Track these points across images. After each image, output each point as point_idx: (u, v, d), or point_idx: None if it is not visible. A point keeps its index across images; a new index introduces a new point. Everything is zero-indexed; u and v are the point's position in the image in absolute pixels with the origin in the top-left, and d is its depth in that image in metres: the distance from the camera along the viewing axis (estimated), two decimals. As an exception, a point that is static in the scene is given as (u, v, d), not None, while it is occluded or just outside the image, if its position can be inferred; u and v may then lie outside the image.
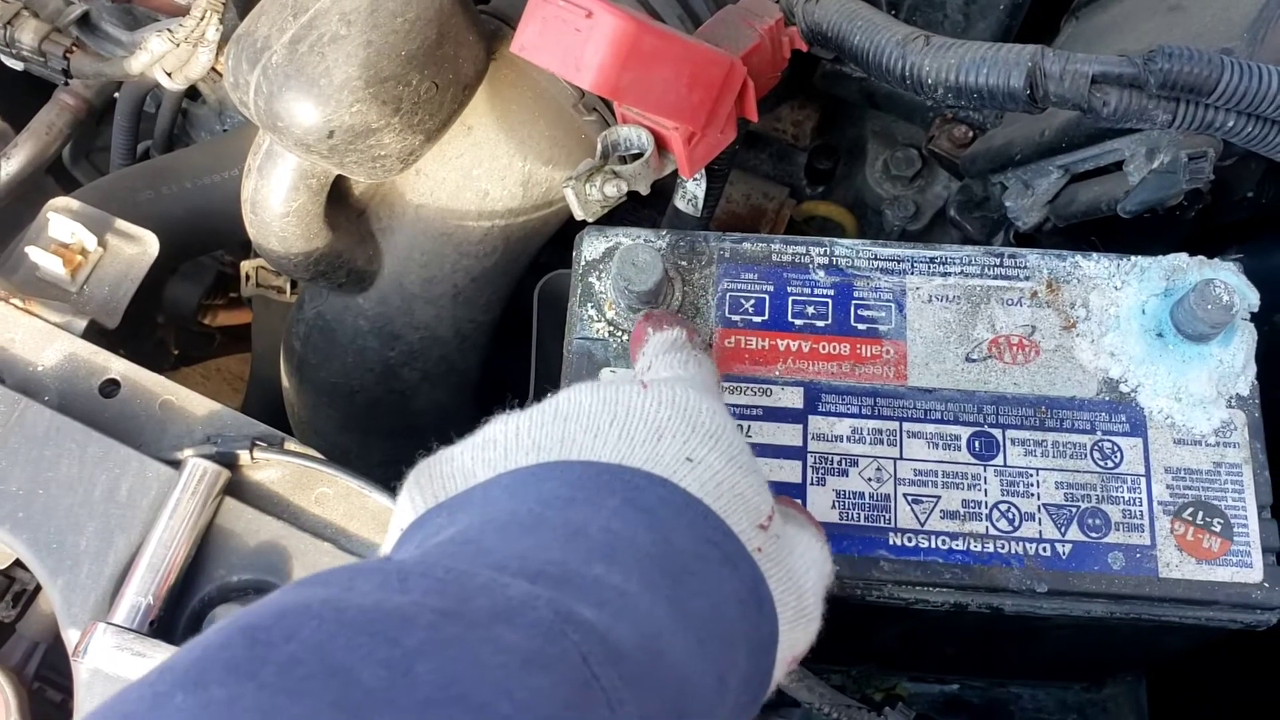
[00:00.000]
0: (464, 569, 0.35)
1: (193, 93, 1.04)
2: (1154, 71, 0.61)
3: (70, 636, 0.61)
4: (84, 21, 0.93)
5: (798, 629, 0.46)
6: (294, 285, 1.00)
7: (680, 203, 0.85)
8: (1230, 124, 0.63)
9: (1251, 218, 0.97)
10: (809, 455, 0.69)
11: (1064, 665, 0.90)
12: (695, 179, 0.83)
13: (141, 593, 0.60)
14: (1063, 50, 0.64)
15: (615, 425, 0.44)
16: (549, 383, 0.86)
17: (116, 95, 1.05)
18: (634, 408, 0.45)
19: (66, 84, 0.96)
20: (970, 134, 0.95)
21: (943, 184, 1.07)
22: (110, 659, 0.58)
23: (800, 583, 0.46)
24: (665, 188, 0.85)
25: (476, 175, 0.82)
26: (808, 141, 1.14)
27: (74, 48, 0.89)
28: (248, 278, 1.00)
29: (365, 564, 0.36)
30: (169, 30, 0.80)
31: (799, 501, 0.62)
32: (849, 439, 0.70)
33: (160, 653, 0.58)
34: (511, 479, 0.43)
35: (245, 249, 1.04)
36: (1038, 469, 0.69)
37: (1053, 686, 0.94)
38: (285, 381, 0.91)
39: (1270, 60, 0.65)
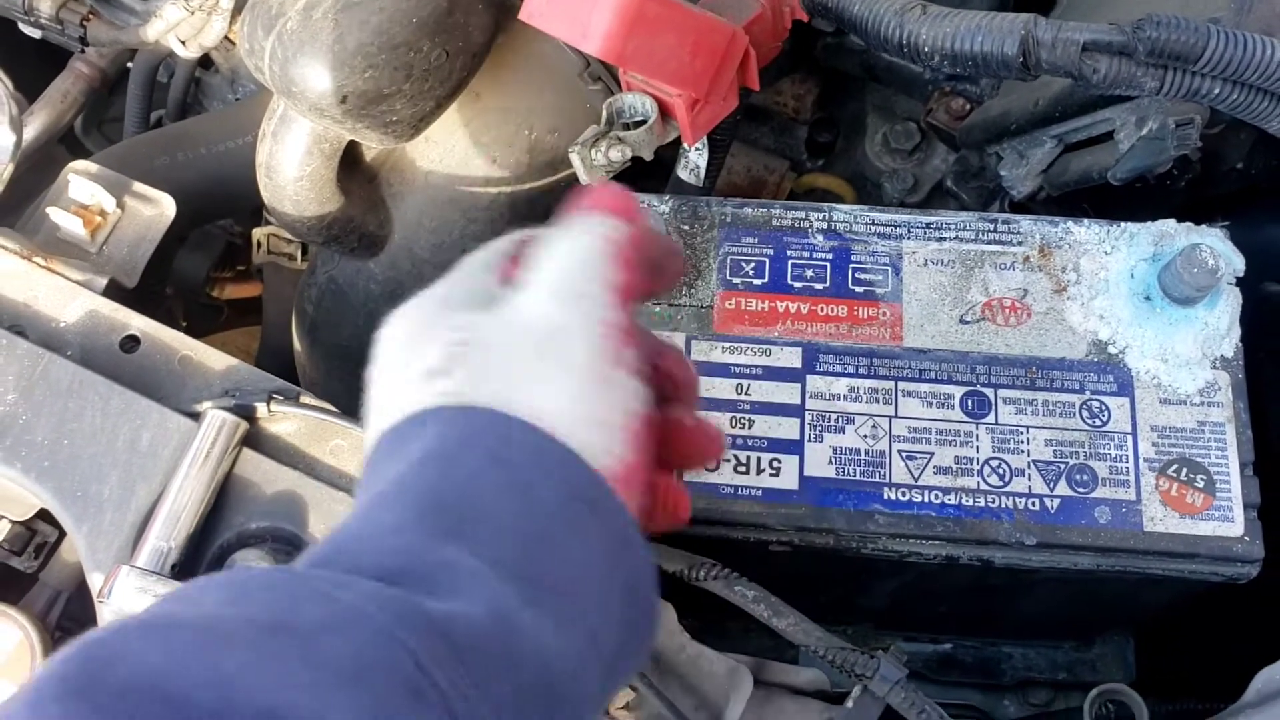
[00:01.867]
0: (306, 574, 0.35)
1: (205, 61, 1.06)
2: (1142, 39, 0.63)
3: (94, 581, 0.63)
4: (99, -10, 0.95)
5: (556, 354, 0.42)
6: (305, 252, 1.02)
7: (683, 172, 0.87)
8: (1216, 91, 0.65)
9: (1243, 188, 0.99)
10: (807, 413, 0.72)
11: (1054, 623, 0.92)
12: (698, 148, 0.85)
13: (163, 538, 0.62)
14: (1055, 19, 0.66)
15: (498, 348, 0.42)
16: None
17: (130, 65, 1.07)
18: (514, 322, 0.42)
19: (83, 51, 0.98)
20: (967, 106, 0.97)
21: (941, 157, 1.09)
22: (133, 600, 0.60)
23: (519, 330, 0.42)
24: (668, 158, 0.87)
25: (484, 142, 0.84)
26: (808, 115, 1.16)
27: (90, 16, 0.91)
28: (259, 245, 1.02)
29: (221, 576, 0.35)
30: (184, -1, 0.82)
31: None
32: (846, 397, 0.72)
33: (182, 595, 0.60)
34: (404, 427, 0.41)
35: (257, 216, 1.06)
36: (1028, 427, 0.71)
37: (1043, 645, 0.96)
38: (297, 345, 0.93)
39: (1256, 29, 0.67)
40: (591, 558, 0.39)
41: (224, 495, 0.65)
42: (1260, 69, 0.63)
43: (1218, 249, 0.72)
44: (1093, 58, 0.65)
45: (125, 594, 0.60)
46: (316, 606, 0.32)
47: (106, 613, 0.62)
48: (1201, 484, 0.70)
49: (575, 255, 0.44)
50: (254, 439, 0.67)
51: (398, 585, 0.35)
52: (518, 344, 0.41)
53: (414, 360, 0.42)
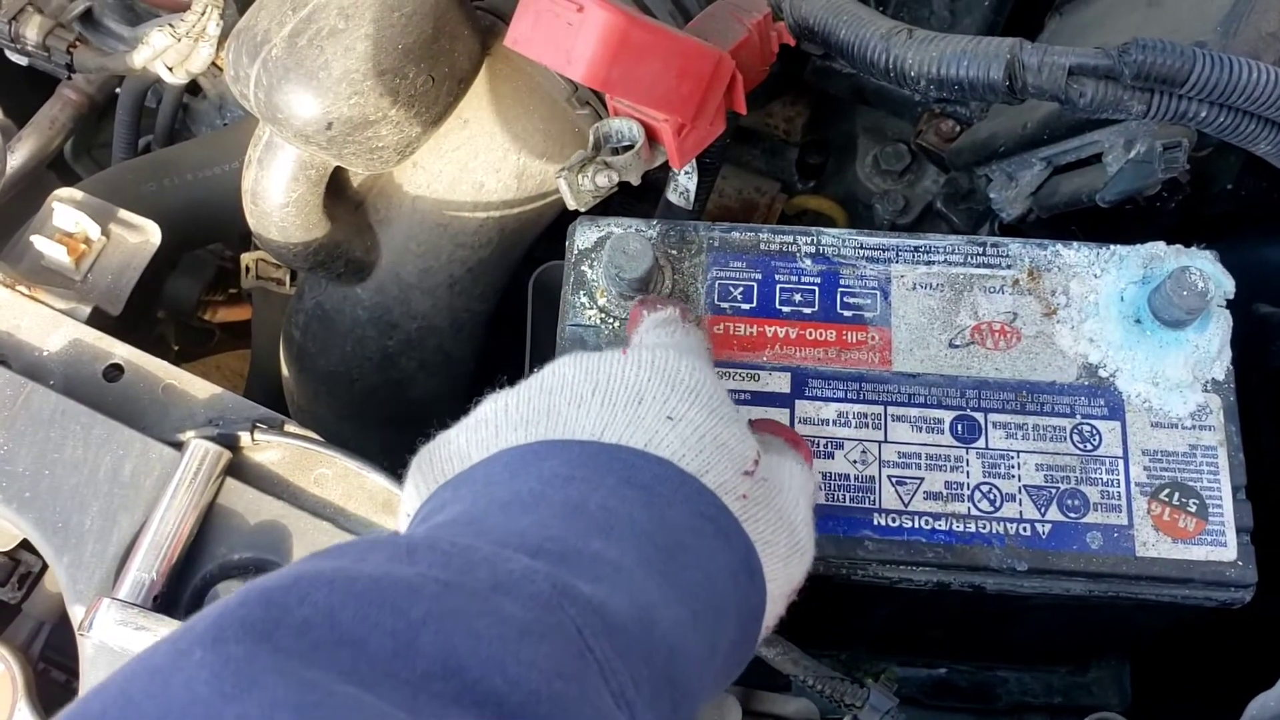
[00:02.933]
0: (467, 544, 0.36)
1: (193, 88, 1.06)
2: (1129, 63, 0.63)
3: (75, 612, 0.63)
4: (87, 17, 0.95)
5: (793, 563, 0.48)
6: (294, 277, 1.02)
7: (672, 195, 0.86)
8: (1203, 114, 0.65)
9: (1235, 210, 0.99)
10: (796, 438, 0.71)
11: (1049, 648, 0.92)
12: (687, 172, 0.84)
13: (145, 569, 0.62)
14: (1041, 43, 0.66)
15: (597, 394, 0.45)
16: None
17: (118, 90, 1.07)
18: (614, 374, 0.46)
19: (69, 79, 0.98)
20: (957, 128, 0.97)
21: (932, 178, 1.09)
22: (115, 633, 0.59)
23: (791, 517, 0.48)
24: (658, 182, 0.87)
25: (472, 168, 0.84)
26: (799, 137, 1.16)
27: (77, 43, 0.91)
28: (248, 270, 1.02)
29: (377, 538, 0.37)
30: (170, 25, 0.82)
31: (782, 422, 0.64)
32: (835, 422, 0.71)
33: (163, 627, 0.59)
34: (511, 457, 0.44)
35: (245, 241, 1.06)
36: (1018, 451, 0.70)
37: (1038, 670, 0.96)
38: (285, 370, 0.93)
39: (1242, 52, 0.67)
40: (719, 571, 0.43)
41: (207, 525, 0.65)
42: (1246, 92, 0.63)
43: (1207, 271, 0.71)
44: (1079, 81, 0.65)
45: (106, 626, 0.60)
46: (485, 570, 0.34)
47: (88, 646, 0.61)
48: (1194, 508, 0.69)
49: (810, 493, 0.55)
50: (237, 468, 0.67)
51: (549, 565, 0.37)
52: (780, 530, 0.49)
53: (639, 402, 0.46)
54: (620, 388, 0.46)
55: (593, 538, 0.39)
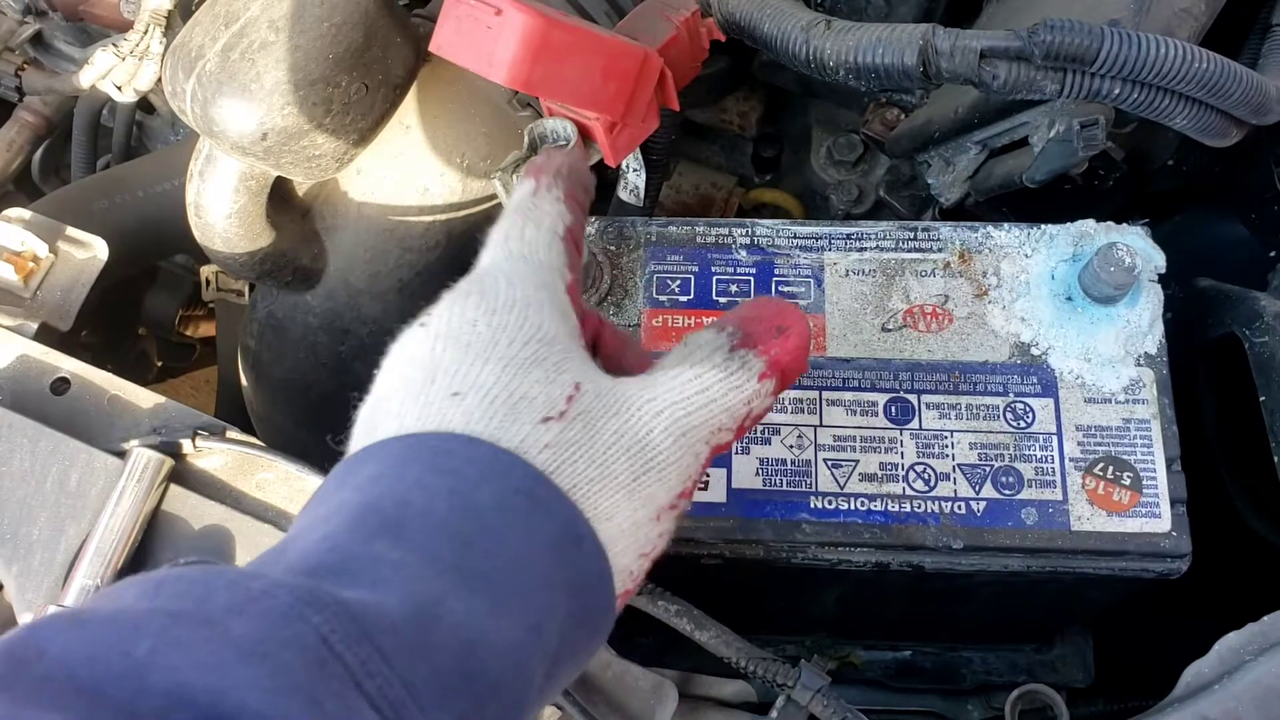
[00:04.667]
0: (220, 570, 0.36)
1: (147, 106, 1.07)
2: (1038, 44, 0.64)
3: (24, 621, 0.64)
4: (37, 40, 0.97)
5: (646, 484, 0.44)
6: (253, 289, 1.03)
7: (623, 193, 0.88)
8: (1117, 91, 0.66)
9: (1180, 186, 1.00)
10: (734, 426, 0.72)
11: (1007, 626, 0.92)
12: (635, 169, 0.86)
13: (90, 576, 0.63)
14: (953, 29, 0.67)
15: (400, 386, 0.44)
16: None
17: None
18: (412, 355, 0.44)
19: (20, 101, 0.99)
20: (901, 116, 0.98)
21: (885, 167, 1.10)
22: (61, 640, 0.61)
23: (634, 433, 0.44)
24: (611, 180, 0.88)
25: (416, 172, 0.85)
26: (753, 131, 1.17)
27: (25, 65, 0.93)
28: (208, 283, 1.03)
29: (139, 577, 0.36)
30: (114, 45, 0.83)
31: (773, 303, 0.54)
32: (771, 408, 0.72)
33: (108, 632, 0.61)
34: (340, 469, 0.43)
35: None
36: (952, 431, 0.71)
37: (1003, 649, 0.96)
38: (243, 379, 0.94)
39: (1154, 29, 0.68)
40: (533, 550, 0.40)
41: (152, 531, 0.66)
42: (1155, 67, 0.64)
43: (1136, 247, 0.72)
44: (991, 64, 0.66)
45: (52, 634, 0.61)
46: (226, 594, 0.34)
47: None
48: (1128, 481, 0.70)
49: (706, 404, 0.47)
50: (181, 475, 0.68)
51: (317, 578, 0.36)
52: (617, 451, 0.44)
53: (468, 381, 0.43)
54: (416, 369, 0.44)
55: (376, 540, 0.38)
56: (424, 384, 0.43)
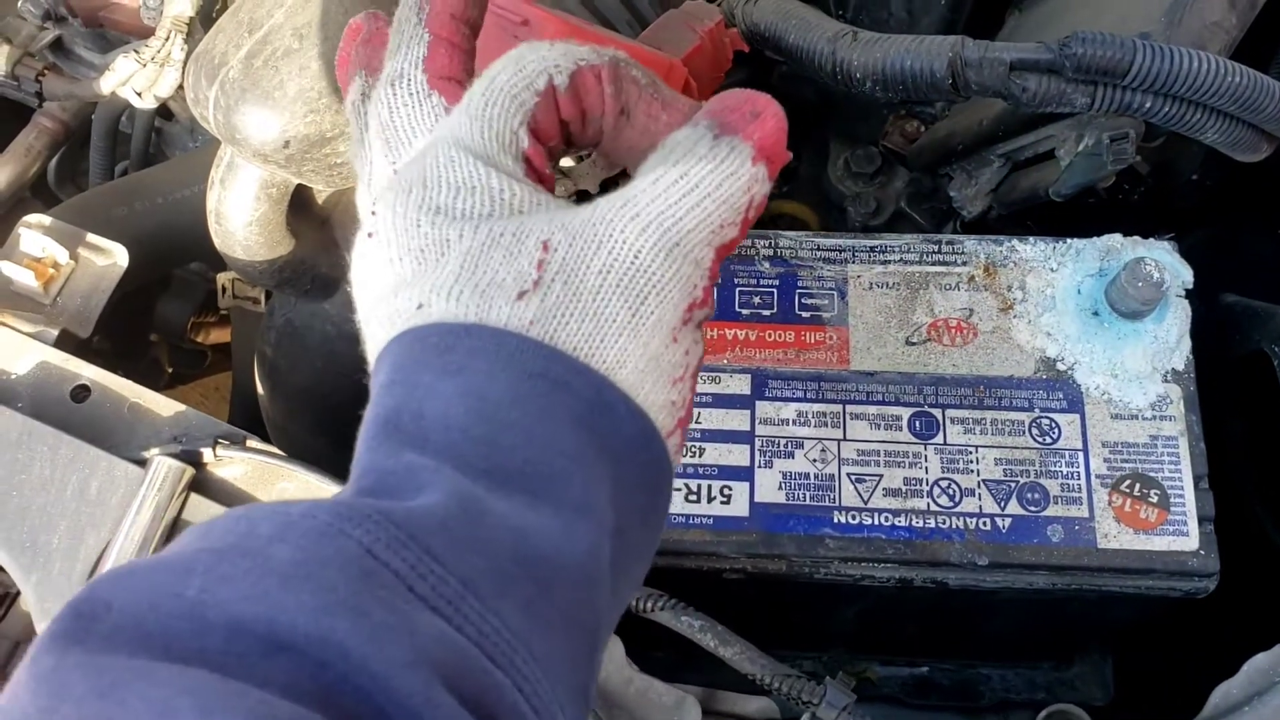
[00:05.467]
0: (268, 504, 0.36)
1: (166, 112, 1.07)
2: (1069, 56, 0.64)
3: (42, 630, 0.64)
4: (57, 46, 0.96)
5: (651, 309, 0.41)
6: (269, 296, 1.03)
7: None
8: (1147, 105, 0.66)
9: (1204, 202, 0.99)
10: (757, 439, 0.72)
11: (1027, 643, 0.92)
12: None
13: (109, 585, 0.63)
14: (983, 40, 0.67)
15: (375, 302, 0.42)
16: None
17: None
18: (372, 273, 0.42)
19: (40, 107, 0.99)
20: (921, 129, 0.97)
21: (903, 180, 1.09)
22: (80, 650, 0.60)
23: (620, 271, 0.40)
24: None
25: (436, 181, 0.84)
26: (772, 142, 1.16)
27: (46, 71, 0.93)
28: (224, 290, 1.03)
29: (199, 523, 0.37)
30: (135, 51, 0.83)
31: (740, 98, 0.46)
32: (794, 422, 0.72)
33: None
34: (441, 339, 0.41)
35: (222, 261, 1.07)
36: (977, 446, 0.71)
37: (1021, 667, 0.96)
38: (260, 388, 0.93)
39: (1185, 43, 0.68)
40: (561, 434, 0.39)
41: (172, 540, 0.66)
42: (1188, 81, 0.63)
43: (1164, 261, 0.72)
44: (1021, 76, 0.65)
45: (70, 643, 0.61)
46: (267, 523, 0.34)
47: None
48: (1155, 499, 0.69)
49: (700, 202, 0.42)
50: (201, 484, 0.68)
51: (360, 498, 0.36)
52: (607, 290, 0.40)
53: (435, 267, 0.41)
54: (380, 283, 0.42)
55: (406, 451, 0.37)
56: (388, 296, 0.41)
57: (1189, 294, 0.73)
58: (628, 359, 0.40)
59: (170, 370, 1.36)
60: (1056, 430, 0.71)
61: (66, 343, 0.75)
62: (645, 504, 0.42)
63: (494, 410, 0.38)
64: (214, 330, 1.33)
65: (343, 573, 0.32)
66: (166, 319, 1.20)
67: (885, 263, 0.75)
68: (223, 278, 1.03)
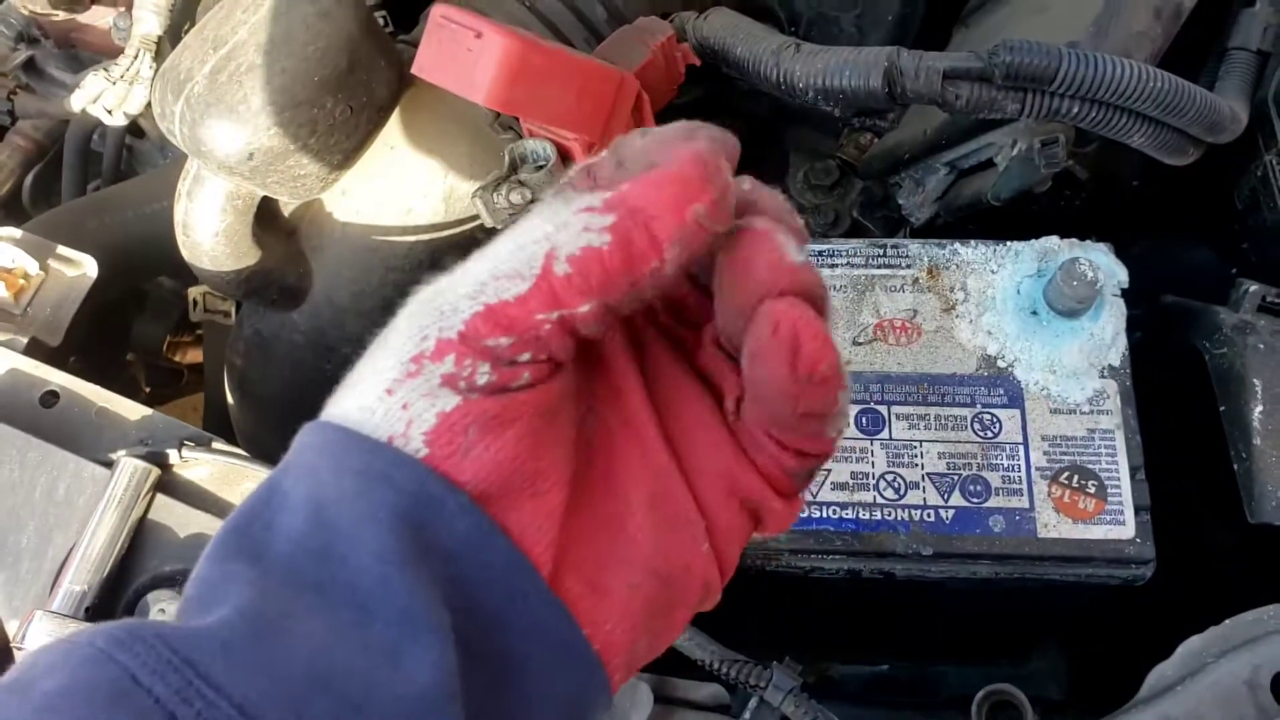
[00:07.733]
0: (74, 633, 0.35)
1: (137, 130, 1.09)
2: (998, 64, 0.67)
3: (12, 627, 0.65)
4: (30, 66, 0.99)
5: (378, 368, 0.38)
6: (239, 308, 1.05)
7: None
8: (1075, 110, 0.69)
9: (1147, 208, 1.02)
10: (709, 438, 0.74)
11: (981, 639, 0.94)
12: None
13: (77, 582, 0.64)
14: (917, 50, 0.70)
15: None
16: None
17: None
18: None
19: (12, 124, 1.01)
20: (874, 141, 1.00)
21: (859, 190, 1.12)
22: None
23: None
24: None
25: (400, 193, 0.87)
26: (733, 157, 1.19)
27: (17, 90, 0.95)
28: (195, 304, 1.05)
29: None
30: (105, 69, 0.85)
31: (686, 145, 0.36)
32: (745, 420, 0.74)
33: (94, 637, 0.62)
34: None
35: (192, 274, 1.09)
36: (921, 441, 0.73)
37: (979, 664, 0.98)
38: (229, 398, 0.95)
39: (1112, 51, 0.71)
40: (381, 534, 0.35)
41: (138, 539, 0.67)
42: (1112, 86, 0.66)
43: (1099, 262, 0.75)
44: (954, 85, 0.68)
45: (39, 637, 0.62)
46: (52, 655, 0.33)
47: (22, 658, 0.64)
48: (1093, 489, 0.72)
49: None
50: (167, 485, 0.69)
51: (181, 616, 0.35)
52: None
53: None
54: None
55: (231, 562, 0.35)
56: None
57: (1132, 298, 0.76)
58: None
59: (147, 389, 1.37)
60: (997, 425, 0.73)
61: (37, 350, 0.76)
62: (494, 607, 0.36)
63: (331, 517, 0.35)
64: (190, 350, 1.34)
65: (88, 703, 0.31)
66: (142, 338, 1.22)
67: (833, 266, 0.78)
68: (194, 292, 1.05)
